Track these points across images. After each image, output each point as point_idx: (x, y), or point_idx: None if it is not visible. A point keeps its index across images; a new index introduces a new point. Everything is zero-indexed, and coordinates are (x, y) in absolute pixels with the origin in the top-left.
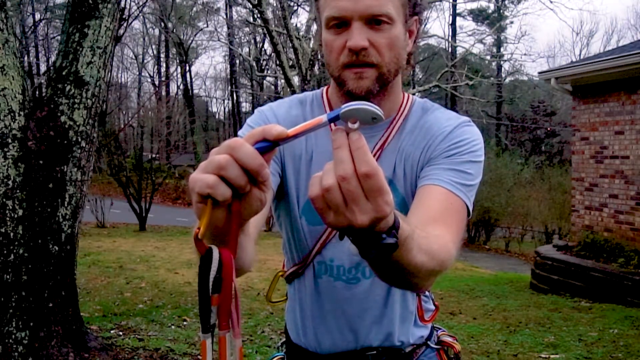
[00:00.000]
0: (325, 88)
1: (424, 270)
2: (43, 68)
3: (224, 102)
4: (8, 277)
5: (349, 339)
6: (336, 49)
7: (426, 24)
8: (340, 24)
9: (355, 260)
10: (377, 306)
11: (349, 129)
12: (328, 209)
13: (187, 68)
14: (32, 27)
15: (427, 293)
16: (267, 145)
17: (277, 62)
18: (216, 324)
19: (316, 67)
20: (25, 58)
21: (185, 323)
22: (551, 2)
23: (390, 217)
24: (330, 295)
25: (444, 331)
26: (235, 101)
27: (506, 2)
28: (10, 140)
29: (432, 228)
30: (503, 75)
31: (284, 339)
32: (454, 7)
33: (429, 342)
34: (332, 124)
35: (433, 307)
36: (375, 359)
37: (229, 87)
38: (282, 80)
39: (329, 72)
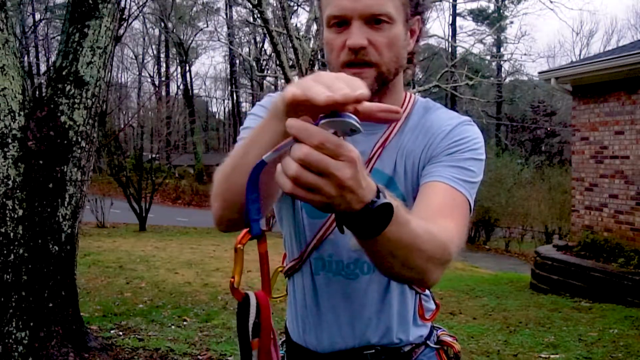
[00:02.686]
0: None
1: (425, 250)
2: (43, 68)
3: (224, 102)
4: (8, 277)
5: (347, 335)
6: (336, 48)
7: (426, 24)
8: (341, 22)
9: (354, 256)
10: (375, 302)
11: None
12: (312, 193)
13: (187, 68)
14: (32, 27)
15: (427, 292)
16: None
17: (277, 62)
18: None
19: (316, 67)
20: (25, 58)
21: (185, 323)
22: (551, 2)
23: (368, 180)
24: (328, 291)
25: (443, 331)
26: (235, 101)
27: (506, 2)
28: (10, 140)
29: (436, 221)
30: (503, 75)
31: (284, 338)
32: (454, 7)
33: (428, 342)
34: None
35: (434, 306)
36: (373, 358)
37: (229, 87)
38: (282, 80)
39: (329, 70)
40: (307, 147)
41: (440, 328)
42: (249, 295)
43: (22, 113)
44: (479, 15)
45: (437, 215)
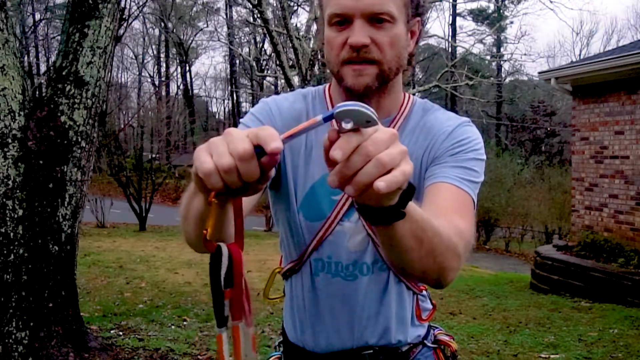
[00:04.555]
0: (328, 84)
1: (444, 240)
2: (43, 68)
3: (224, 102)
4: (8, 277)
5: (345, 336)
6: (337, 46)
7: (426, 24)
8: (342, 21)
9: (353, 258)
10: (373, 304)
11: (342, 129)
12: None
13: (187, 68)
14: (32, 27)
15: (424, 292)
16: (262, 152)
17: (277, 62)
18: (229, 316)
19: (316, 67)
20: (25, 58)
21: (185, 323)
22: (551, 2)
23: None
24: (327, 292)
25: (440, 330)
26: (235, 101)
27: (506, 2)
28: (10, 140)
29: (446, 220)
30: (503, 75)
31: (281, 339)
32: (454, 7)
33: (425, 341)
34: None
35: (430, 306)
36: (371, 358)
37: (229, 87)
38: (282, 80)
39: (329, 69)
40: (379, 153)
41: (437, 327)
42: (221, 247)
43: (22, 113)
44: (479, 15)
45: (446, 215)
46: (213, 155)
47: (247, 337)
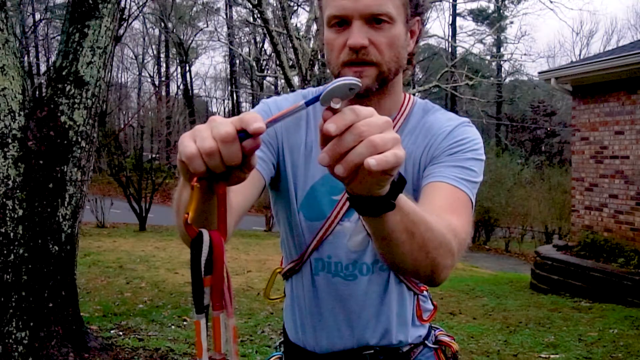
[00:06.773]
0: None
1: (436, 230)
2: (43, 68)
3: (224, 102)
4: (8, 277)
5: (346, 336)
6: (337, 48)
7: (426, 24)
8: (341, 22)
9: (353, 257)
10: (374, 304)
11: (334, 110)
12: (350, 154)
13: (187, 68)
14: (32, 27)
15: (425, 292)
16: (245, 136)
17: (277, 62)
18: (210, 305)
19: (316, 67)
20: (25, 58)
21: (185, 323)
22: (551, 2)
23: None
24: (328, 292)
25: (441, 330)
26: (235, 101)
27: (506, 2)
28: (10, 140)
29: (441, 218)
30: (503, 75)
31: (282, 339)
32: (454, 7)
33: (426, 342)
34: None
35: (431, 307)
36: (372, 359)
37: (229, 87)
38: (282, 80)
39: (330, 70)
40: (358, 117)
41: (438, 328)
42: (202, 233)
43: (22, 113)
44: (479, 15)
45: (440, 213)
46: (197, 140)
47: (228, 329)
